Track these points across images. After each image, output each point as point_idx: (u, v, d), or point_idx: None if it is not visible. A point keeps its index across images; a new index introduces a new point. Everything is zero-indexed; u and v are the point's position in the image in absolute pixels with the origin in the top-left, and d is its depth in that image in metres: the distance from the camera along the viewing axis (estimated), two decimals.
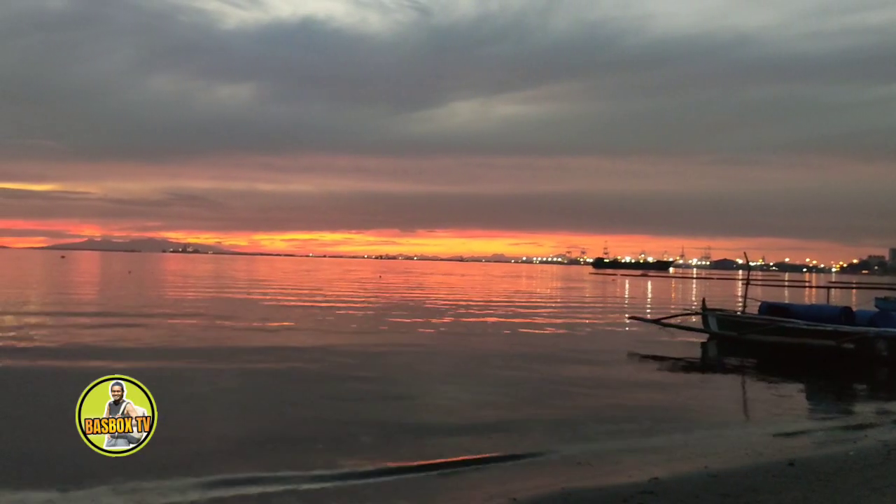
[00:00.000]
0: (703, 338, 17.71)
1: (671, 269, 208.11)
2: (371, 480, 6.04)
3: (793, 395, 11.49)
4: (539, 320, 23.39)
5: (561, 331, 20.24)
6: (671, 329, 18.55)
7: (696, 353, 16.10)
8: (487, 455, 6.95)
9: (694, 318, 19.40)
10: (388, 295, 34.50)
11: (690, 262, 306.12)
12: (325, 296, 32.71)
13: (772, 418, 9.59)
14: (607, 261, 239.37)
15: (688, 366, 14.24)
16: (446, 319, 21.93)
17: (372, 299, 30.82)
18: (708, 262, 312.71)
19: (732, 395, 11.50)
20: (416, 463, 6.38)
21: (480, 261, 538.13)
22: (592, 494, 5.60)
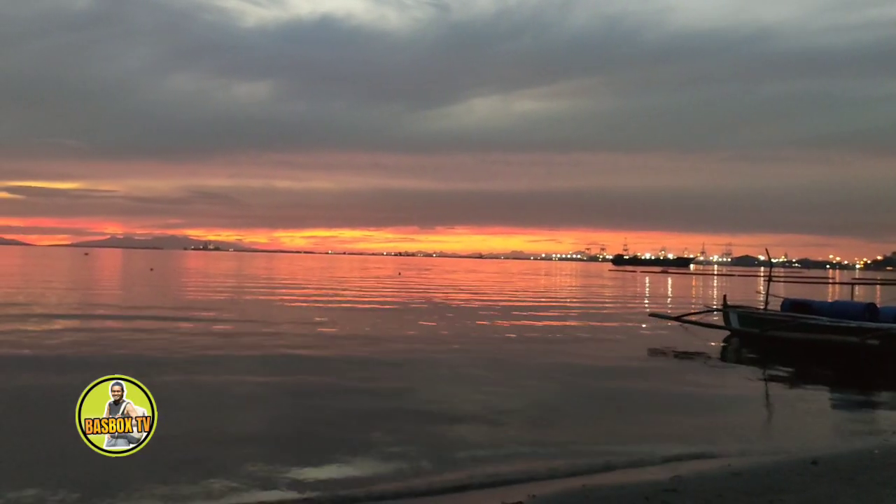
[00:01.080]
0: (725, 335, 17.58)
1: (692, 266, 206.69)
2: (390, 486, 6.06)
3: (816, 392, 11.38)
4: (559, 316, 23.31)
5: (582, 329, 20.16)
6: (692, 326, 18.43)
7: (718, 350, 15.98)
8: (508, 456, 6.98)
9: (715, 315, 19.25)
10: (411, 295, 34.48)
11: (711, 258, 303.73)
12: (349, 296, 32.71)
13: (794, 415, 9.52)
14: (627, 257, 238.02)
15: (708, 363, 14.14)
16: (472, 322, 21.93)
17: (395, 299, 30.80)
18: (729, 259, 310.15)
19: (754, 393, 11.41)
20: (441, 478, 6.19)
21: (499, 258, 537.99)
22: (613, 492, 5.58)
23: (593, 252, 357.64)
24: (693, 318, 19.04)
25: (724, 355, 15.49)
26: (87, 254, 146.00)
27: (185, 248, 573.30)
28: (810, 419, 9.28)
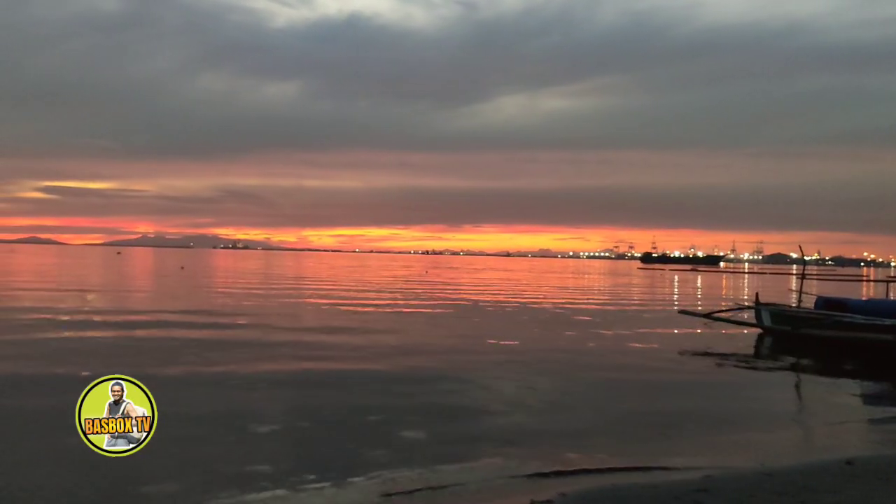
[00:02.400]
0: (756, 332, 17.34)
1: (722, 264, 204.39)
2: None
3: (850, 391, 11.17)
4: (590, 317, 23.19)
5: (611, 326, 20.00)
6: (722, 323, 18.20)
7: (749, 348, 15.76)
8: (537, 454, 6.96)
9: (746, 313, 19.00)
10: (443, 295, 34.54)
11: (742, 256, 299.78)
12: (380, 297, 32.63)
13: (828, 415, 9.35)
14: (655, 255, 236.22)
15: (740, 361, 13.94)
16: (504, 323, 21.93)
17: (428, 301, 30.82)
18: (760, 257, 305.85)
19: (787, 392, 11.24)
20: (470, 475, 6.21)
21: (527, 256, 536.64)
22: (643, 491, 5.53)
23: (621, 250, 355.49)
24: (723, 315, 18.80)
25: (756, 354, 15.26)
26: (119, 253, 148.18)
27: (215, 247, 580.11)
28: (844, 418, 9.10)
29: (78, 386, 3.45)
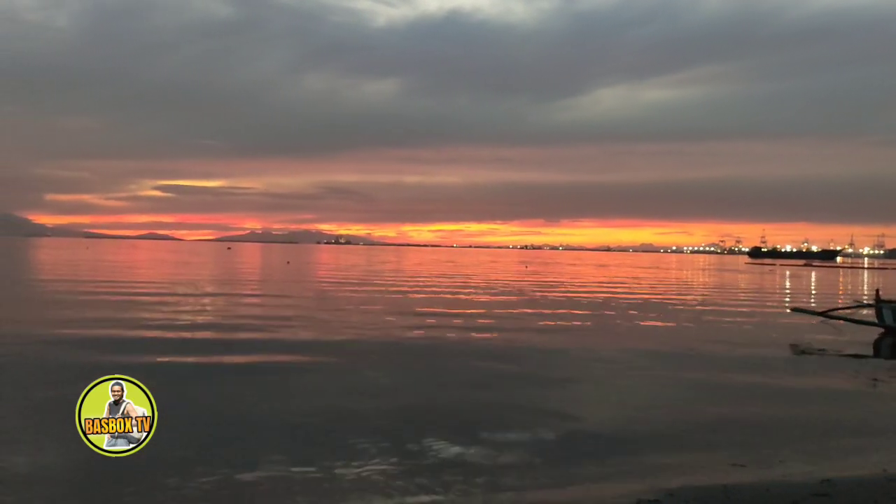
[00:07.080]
0: (877, 332, 16.37)
1: (838, 259, 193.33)
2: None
3: None
4: (695, 309, 22.55)
5: (719, 321, 19.39)
6: (839, 323, 17.26)
7: (869, 348, 14.91)
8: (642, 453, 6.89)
9: (866, 311, 17.96)
10: (554, 292, 34.36)
11: (861, 250, 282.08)
12: (500, 298, 32.30)
13: None
14: (765, 250, 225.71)
15: (860, 362, 13.23)
16: (605, 321, 21.66)
17: (540, 299, 30.71)
18: (882, 251, 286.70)
19: None
20: (575, 471, 6.26)
21: (627, 250, 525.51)
22: (757, 494, 5.39)
23: (728, 244, 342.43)
24: (841, 313, 17.83)
25: (876, 354, 14.43)
26: (229, 248, 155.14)
27: (318, 242, 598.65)
28: None
29: None
